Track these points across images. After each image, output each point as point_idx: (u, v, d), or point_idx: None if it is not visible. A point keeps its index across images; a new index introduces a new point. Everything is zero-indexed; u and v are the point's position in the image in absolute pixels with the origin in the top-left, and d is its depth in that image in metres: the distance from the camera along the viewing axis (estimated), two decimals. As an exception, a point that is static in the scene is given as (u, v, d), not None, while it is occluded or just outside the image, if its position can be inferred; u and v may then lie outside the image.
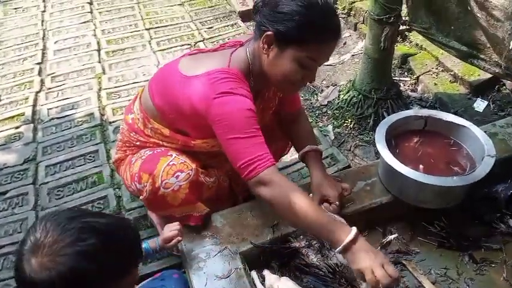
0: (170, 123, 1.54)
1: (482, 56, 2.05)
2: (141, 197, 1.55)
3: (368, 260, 1.18)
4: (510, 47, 1.96)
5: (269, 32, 1.30)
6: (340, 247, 1.20)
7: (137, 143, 1.63)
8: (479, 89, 2.50)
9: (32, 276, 0.90)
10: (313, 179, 1.58)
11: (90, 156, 2.39)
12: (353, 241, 1.20)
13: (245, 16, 3.57)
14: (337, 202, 1.51)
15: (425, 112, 1.74)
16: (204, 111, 1.33)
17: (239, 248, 1.47)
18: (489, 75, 2.41)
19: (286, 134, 1.80)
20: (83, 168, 2.33)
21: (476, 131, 1.63)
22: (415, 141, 1.73)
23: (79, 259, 0.91)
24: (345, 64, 3.03)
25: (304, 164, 1.70)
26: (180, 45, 3.30)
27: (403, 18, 2.18)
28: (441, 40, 2.12)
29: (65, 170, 2.33)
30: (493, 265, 1.53)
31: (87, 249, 0.92)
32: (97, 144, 2.45)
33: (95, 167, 2.32)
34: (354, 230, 1.22)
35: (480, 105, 2.41)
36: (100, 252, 0.93)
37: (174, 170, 1.45)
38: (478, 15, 1.94)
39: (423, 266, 1.53)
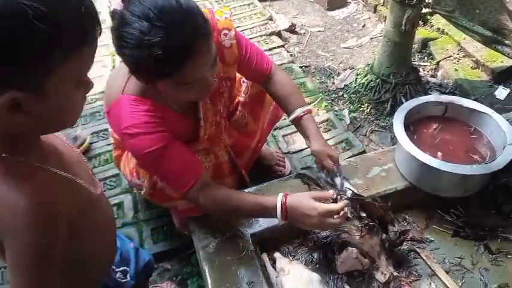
0: None
1: (507, 42, 1.98)
2: (142, 192, 1.55)
3: (309, 222, 1.22)
4: (537, 33, 1.90)
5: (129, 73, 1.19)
6: (279, 222, 1.25)
7: None
8: (501, 76, 2.42)
9: None
10: (313, 144, 1.49)
11: (103, 133, 2.39)
12: (285, 210, 1.23)
13: (262, -4, 3.49)
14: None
15: (446, 98, 1.69)
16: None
17: (250, 230, 1.46)
18: (512, 62, 2.34)
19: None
20: (96, 145, 2.33)
21: (498, 118, 1.58)
22: (434, 127, 1.68)
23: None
24: (364, 47, 2.96)
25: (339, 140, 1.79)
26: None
27: (426, 0, 2.10)
28: (465, 24, 2.05)
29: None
30: (509, 256, 1.50)
31: None
32: (110, 122, 2.44)
33: (108, 144, 2.32)
34: (279, 199, 1.23)
35: (502, 93, 2.33)
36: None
37: None
38: (506, -2, 1.87)
39: (437, 255, 1.50)
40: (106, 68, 2.85)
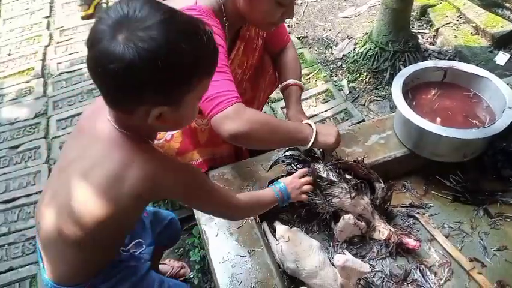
0: None
1: (507, 5, 1.94)
2: (156, 143, 1.54)
3: (334, 132, 1.39)
4: (539, -5, 1.86)
5: None
6: (313, 137, 1.33)
7: None
8: (501, 42, 2.38)
9: (116, 53, 0.77)
10: (288, 112, 1.56)
11: (101, 110, 2.38)
12: (316, 130, 1.35)
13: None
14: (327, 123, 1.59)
15: (445, 63, 1.66)
16: None
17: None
18: (513, 27, 2.29)
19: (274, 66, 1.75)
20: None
21: (498, 82, 1.56)
22: (433, 93, 1.66)
23: (176, 36, 0.81)
24: (362, 16, 2.91)
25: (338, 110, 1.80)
26: None
27: (425, -36, 2.05)
28: (464, -12, 2.00)
29: (76, 124, 2.32)
30: (508, 219, 1.50)
31: (184, 27, 0.83)
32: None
33: (106, 120, 2.31)
34: (311, 123, 1.37)
35: (502, 58, 2.30)
36: (193, 35, 0.83)
37: None
38: (506, -41, 1.82)
39: (436, 220, 1.51)
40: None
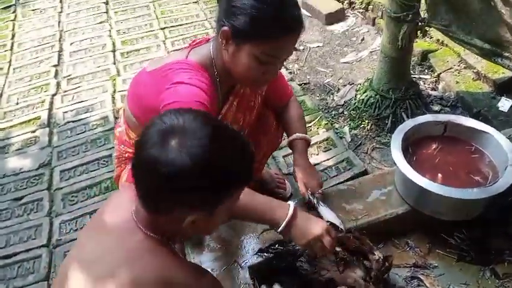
0: None
1: (506, 54, 1.93)
2: None
3: (311, 233, 1.23)
4: (537, 45, 1.85)
5: (225, 28, 1.24)
6: (283, 225, 1.22)
7: (126, 155, 1.62)
8: (503, 88, 2.37)
9: (169, 157, 0.83)
10: (295, 167, 1.56)
11: (104, 160, 2.39)
12: (294, 216, 1.23)
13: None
14: (320, 191, 1.54)
15: (444, 117, 1.65)
16: (158, 105, 1.27)
17: (248, 261, 1.43)
18: (514, 73, 2.29)
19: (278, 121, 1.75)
20: (96, 173, 2.33)
21: (499, 137, 1.54)
22: (434, 147, 1.64)
23: (225, 147, 0.89)
24: (363, 61, 2.93)
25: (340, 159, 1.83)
26: (194, 45, 3.25)
27: (421, 15, 2.07)
28: (462, 38, 2.01)
29: (79, 175, 2.33)
30: (517, 280, 1.45)
31: (231, 140, 0.92)
32: (110, 148, 2.44)
33: (108, 172, 2.32)
34: (292, 204, 1.25)
35: (505, 104, 2.29)
36: (239, 147, 0.92)
37: None
38: (502, 11, 1.83)
39: (442, 282, 1.46)
40: (107, 93, 2.86)
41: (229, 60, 1.32)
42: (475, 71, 2.49)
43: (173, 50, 3.21)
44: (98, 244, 1.00)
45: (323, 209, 1.46)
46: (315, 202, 1.48)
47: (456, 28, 2.03)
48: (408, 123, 1.63)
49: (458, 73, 2.53)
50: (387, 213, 1.56)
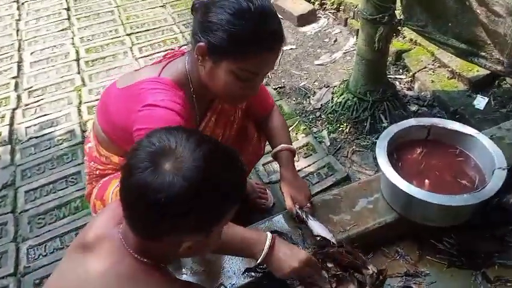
0: (118, 148, 1.43)
1: (482, 54, 1.93)
2: None
3: (289, 266, 1.20)
4: (512, 43, 1.85)
5: (201, 43, 1.17)
6: (260, 259, 1.20)
7: (97, 172, 1.53)
8: (478, 85, 2.38)
9: (164, 182, 0.78)
10: (282, 181, 1.49)
11: (72, 178, 2.25)
12: (271, 250, 1.21)
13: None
14: (308, 204, 1.48)
15: (428, 121, 1.62)
16: (130, 126, 1.22)
17: (236, 282, 1.35)
18: (488, 71, 2.29)
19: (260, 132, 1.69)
20: (64, 192, 2.18)
21: (484, 139, 1.51)
22: (418, 152, 1.61)
23: (221, 167, 0.85)
24: (337, 63, 2.90)
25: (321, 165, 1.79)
26: (163, 51, 3.13)
27: (397, 17, 2.04)
28: (438, 38, 1.99)
29: (46, 195, 2.18)
30: (509, 284, 1.43)
31: (226, 160, 0.88)
32: (78, 164, 2.30)
33: (77, 190, 2.18)
34: (268, 236, 1.23)
35: (480, 102, 2.29)
36: (234, 166, 0.89)
37: None
38: (478, 11, 1.82)
39: (434, 290, 1.42)
40: (72, 105, 2.70)
41: (206, 76, 1.24)
42: (449, 69, 2.49)
43: (142, 57, 3.09)
44: (83, 269, 0.92)
45: (313, 223, 1.40)
46: (304, 217, 1.42)
47: (432, 28, 2.01)
48: (392, 129, 1.59)
49: (433, 72, 2.53)
50: (376, 222, 1.52)
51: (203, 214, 0.83)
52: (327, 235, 1.35)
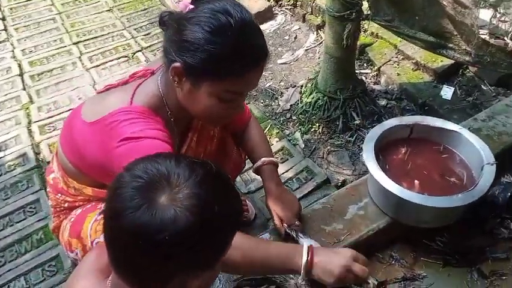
0: (90, 180, 1.29)
1: (450, 45, 1.93)
2: None
3: (336, 268, 1.13)
4: (479, 34, 1.87)
5: (176, 64, 1.05)
6: (302, 271, 1.13)
7: (66, 205, 1.39)
8: (443, 76, 2.41)
9: (165, 219, 0.68)
10: (268, 197, 1.40)
11: (30, 207, 2.04)
12: (311, 258, 1.14)
13: (183, 17, 3.26)
14: (296, 222, 1.37)
15: (411, 119, 1.59)
16: (109, 165, 1.10)
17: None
18: (452, 61, 2.32)
19: (239, 146, 1.61)
20: (24, 223, 1.98)
21: (468, 135, 1.50)
22: (403, 151, 1.58)
23: (223, 192, 0.77)
24: (300, 60, 2.84)
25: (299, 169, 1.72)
26: (116, 58, 2.94)
27: (365, 12, 2.00)
28: (406, 32, 1.97)
29: (2, 230, 1.97)
30: (504, 277, 1.43)
31: (222, 183, 0.79)
32: (36, 191, 2.10)
33: (38, 220, 1.98)
34: (305, 246, 1.16)
35: (447, 92, 2.32)
36: (229, 184, 0.82)
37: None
38: (444, 3, 1.82)
39: (434, 291, 1.40)
40: (21, 125, 2.47)
41: (184, 99, 1.13)
42: (413, 61, 2.50)
43: (93, 67, 2.88)
44: None
45: (304, 241, 1.32)
46: (294, 235, 1.34)
47: (399, 22, 1.98)
48: (376, 130, 1.54)
49: (398, 65, 2.53)
50: (369, 229, 1.47)
51: (211, 245, 0.75)
52: None
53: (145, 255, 0.71)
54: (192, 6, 1.05)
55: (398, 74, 2.48)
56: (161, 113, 1.17)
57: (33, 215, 2.02)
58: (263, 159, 1.44)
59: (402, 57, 2.56)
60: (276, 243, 1.20)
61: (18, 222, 1.99)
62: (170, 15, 1.08)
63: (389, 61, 2.56)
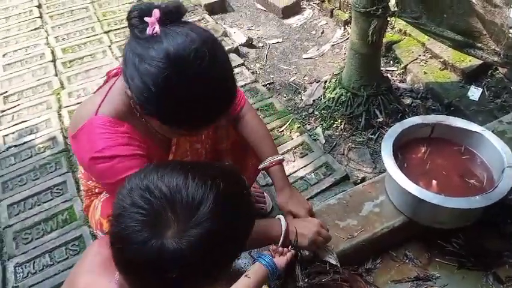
0: None
1: (478, 45, 1.89)
2: None
3: (310, 232, 1.26)
4: (509, 34, 1.82)
5: (128, 91, 1.00)
6: (281, 238, 1.24)
7: (96, 190, 1.44)
8: (471, 76, 2.35)
9: (178, 249, 0.69)
10: (278, 198, 1.41)
11: (57, 189, 2.12)
12: (287, 227, 1.26)
13: (212, 9, 3.30)
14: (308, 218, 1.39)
15: (432, 119, 1.57)
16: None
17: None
18: (480, 61, 2.26)
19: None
20: (50, 204, 2.06)
21: (491, 137, 1.48)
22: (423, 151, 1.57)
23: (239, 202, 0.80)
24: (326, 56, 2.83)
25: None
26: (145, 48, 3.00)
27: (391, 9, 1.98)
28: (433, 30, 1.94)
29: (30, 208, 2.06)
30: (521, 283, 1.41)
31: (233, 191, 0.79)
32: (63, 174, 2.18)
33: (64, 201, 2.06)
34: (281, 217, 1.29)
35: (474, 93, 2.27)
36: (245, 195, 0.84)
37: None
38: (474, 1, 1.77)
39: (447, 293, 1.39)
40: (52, 110, 2.56)
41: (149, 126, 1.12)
42: (441, 60, 2.46)
43: (122, 56, 2.94)
44: None
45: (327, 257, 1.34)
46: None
47: (426, 20, 1.95)
48: (396, 128, 1.53)
49: (425, 63, 2.49)
50: (384, 226, 1.47)
51: (219, 265, 0.77)
52: (327, 257, 1.32)
53: (152, 281, 0.72)
54: (158, 30, 0.93)
55: (425, 73, 2.44)
56: (130, 119, 1.12)
57: (59, 196, 2.10)
58: (269, 159, 1.40)
59: (429, 55, 2.51)
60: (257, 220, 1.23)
61: (45, 202, 2.08)
62: (138, 21, 0.97)
63: (416, 59, 2.52)
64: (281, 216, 1.30)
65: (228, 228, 0.74)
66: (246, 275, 1.11)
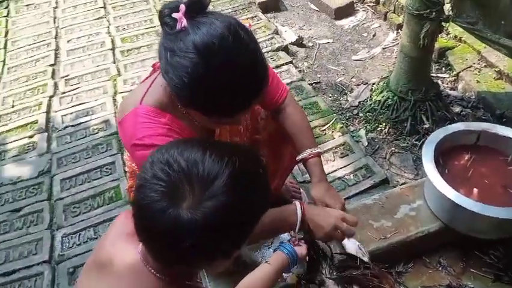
0: None
1: (537, 55, 1.82)
2: None
3: (328, 225, 1.21)
4: None
5: (167, 86, 1.07)
6: (298, 225, 1.22)
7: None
8: (528, 87, 2.25)
9: (197, 219, 0.72)
10: (314, 190, 1.41)
11: (107, 168, 2.26)
12: (303, 213, 1.23)
13: (265, 7, 3.35)
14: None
15: (477, 126, 1.53)
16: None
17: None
18: (540, 72, 2.17)
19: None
20: (99, 182, 2.20)
21: (540, 149, 1.42)
22: (466, 158, 1.53)
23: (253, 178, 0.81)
24: (376, 59, 2.80)
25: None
26: (198, 42, 3.10)
27: (446, 13, 1.94)
28: (490, 37, 1.88)
29: (80, 184, 2.20)
30: (560, 304, 1.35)
31: (248, 167, 0.81)
32: (113, 155, 2.31)
33: (112, 180, 2.19)
34: (297, 204, 1.25)
35: (530, 105, 2.17)
36: (260, 169, 0.84)
37: None
38: (535, 8, 1.71)
39: (479, 306, 1.35)
40: (107, 95, 2.72)
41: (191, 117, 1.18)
42: (496, 69, 2.37)
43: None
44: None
45: (347, 241, 1.33)
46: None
47: (483, 26, 1.90)
48: (439, 133, 1.51)
49: (479, 72, 2.41)
50: (419, 230, 1.45)
51: (234, 240, 0.80)
52: (359, 254, 1.30)
53: (176, 251, 0.75)
54: (185, 24, 0.98)
55: (478, 82, 2.36)
56: (171, 110, 1.17)
57: (108, 175, 2.23)
58: (308, 151, 1.41)
59: (484, 64, 2.43)
60: (271, 209, 1.23)
61: (94, 179, 2.21)
62: (169, 19, 1.01)
63: (469, 67, 2.44)
64: (297, 202, 1.27)
65: (242, 203, 0.76)
66: (266, 261, 1.14)
